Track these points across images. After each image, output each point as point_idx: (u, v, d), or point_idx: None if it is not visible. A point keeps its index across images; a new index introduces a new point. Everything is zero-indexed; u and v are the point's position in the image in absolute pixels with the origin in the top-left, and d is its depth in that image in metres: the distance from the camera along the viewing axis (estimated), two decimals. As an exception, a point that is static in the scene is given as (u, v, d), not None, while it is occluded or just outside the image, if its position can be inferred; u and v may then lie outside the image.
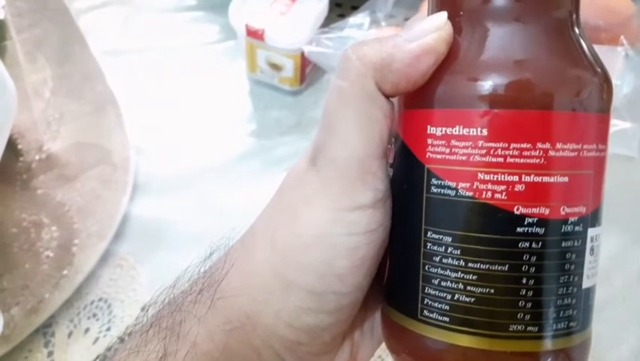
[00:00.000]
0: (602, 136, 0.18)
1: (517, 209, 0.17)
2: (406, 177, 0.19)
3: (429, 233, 0.18)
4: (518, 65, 0.17)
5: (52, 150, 0.46)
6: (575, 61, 0.18)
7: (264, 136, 0.48)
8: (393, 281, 0.20)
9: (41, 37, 0.54)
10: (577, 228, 0.18)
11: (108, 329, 0.38)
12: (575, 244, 0.18)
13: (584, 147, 0.17)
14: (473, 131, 0.17)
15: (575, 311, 0.18)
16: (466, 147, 0.17)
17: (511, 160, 0.17)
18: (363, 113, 0.19)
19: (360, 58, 0.18)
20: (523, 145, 0.17)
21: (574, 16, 0.19)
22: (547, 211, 0.17)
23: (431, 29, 0.18)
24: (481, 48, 0.18)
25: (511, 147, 0.17)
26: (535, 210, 0.17)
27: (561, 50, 0.18)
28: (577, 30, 0.18)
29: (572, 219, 0.17)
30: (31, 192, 0.44)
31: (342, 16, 0.52)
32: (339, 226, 0.19)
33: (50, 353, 0.37)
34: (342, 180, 0.19)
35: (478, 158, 0.17)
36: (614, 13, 0.44)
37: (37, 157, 0.45)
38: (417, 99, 0.19)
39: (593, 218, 0.18)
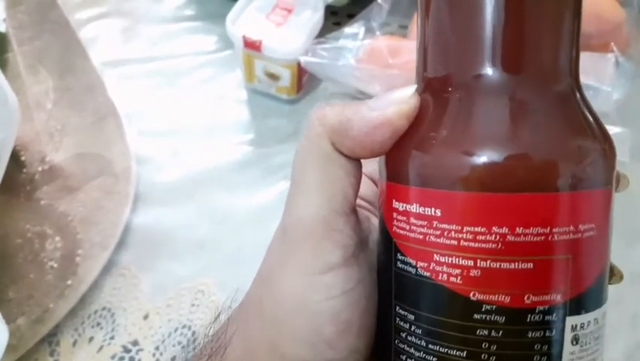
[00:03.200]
0: (587, 215, 0.16)
1: (474, 295, 0.16)
2: (381, 246, 0.19)
3: (397, 308, 0.18)
4: (468, 148, 0.16)
5: (54, 161, 0.47)
6: (544, 139, 0.16)
7: (262, 144, 0.49)
8: (377, 346, 0.19)
9: (42, 49, 0.55)
10: (548, 317, 0.16)
11: (112, 338, 0.39)
12: (547, 334, 0.16)
13: (554, 230, 0.16)
14: (428, 211, 0.17)
15: None
16: (422, 226, 0.17)
17: (465, 244, 0.16)
18: (322, 172, 0.19)
19: (319, 119, 0.19)
20: (477, 229, 0.16)
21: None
22: (507, 299, 0.16)
23: (394, 102, 0.18)
24: (442, 125, 0.17)
25: (464, 230, 0.16)
26: (493, 298, 0.16)
27: (531, 128, 0.16)
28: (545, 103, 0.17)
29: (540, 308, 0.16)
30: (35, 203, 0.45)
31: (338, 24, 0.53)
32: (316, 291, 0.18)
33: (56, 362, 0.38)
34: (310, 241, 0.18)
35: (433, 238, 0.17)
36: (604, 20, 0.45)
37: (40, 168, 0.46)
38: (386, 170, 0.19)
39: (574, 305, 0.16)
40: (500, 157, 0.16)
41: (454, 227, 0.16)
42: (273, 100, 0.51)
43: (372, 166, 0.22)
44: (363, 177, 0.23)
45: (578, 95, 0.18)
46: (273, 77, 0.49)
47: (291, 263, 0.19)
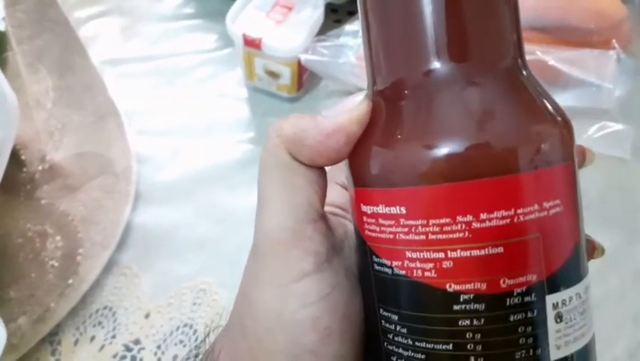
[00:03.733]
0: (550, 192, 0.16)
1: (450, 286, 0.16)
2: (358, 252, 0.19)
3: (381, 310, 0.18)
4: (426, 142, 0.16)
5: (55, 160, 0.47)
6: (484, 118, 0.16)
7: (263, 143, 0.49)
8: (369, 351, 0.19)
9: (42, 48, 0.54)
10: (527, 298, 0.16)
11: (113, 337, 0.39)
12: (529, 315, 0.16)
13: (519, 211, 0.16)
14: (393, 210, 0.17)
15: None
16: (391, 226, 0.17)
17: (433, 237, 0.16)
18: (284, 183, 0.19)
19: (276, 131, 0.19)
20: (442, 220, 0.16)
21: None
22: (483, 286, 0.16)
23: (346, 109, 0.18)
24: (398, 125, 0.17)
25: (430, 224, 0.16)
26: (469, 286, 0.16)
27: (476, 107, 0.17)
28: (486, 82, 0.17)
29: (517, 290, 0.16)
30: (36, 202, 0.44)
31: (339, 21, 0.52)
32: (290, 300, 0.18)
33: (57, 361, 0.38)
34: (279, 252, 0.18)
35: (402, 236, 0.17)
36: (605, 17, 0.44)
37: (40, 167, 0.46)
38: (351, 177, 0.19)
39: (552, 283, 0.16)
40: (460, 148, 0.16)
41: (419, 222, 0.16)
42: (274, 98, 0.51)
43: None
44: (337, 186, 0.23)
45: (525, 73, 0.18)
46: (274, 75, 0.49)
47: (262, 277, 0.19)
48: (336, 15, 0.55)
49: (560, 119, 0.17)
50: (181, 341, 0.39)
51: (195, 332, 0.39)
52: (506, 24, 0.18)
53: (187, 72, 0.54)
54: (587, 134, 0.43)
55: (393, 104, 0.18)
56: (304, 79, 0.50)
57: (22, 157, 0.47)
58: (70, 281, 0.40)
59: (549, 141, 0.16)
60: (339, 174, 0.23)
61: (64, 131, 0.49)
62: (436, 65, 0.17)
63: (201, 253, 0.43)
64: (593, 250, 0.22)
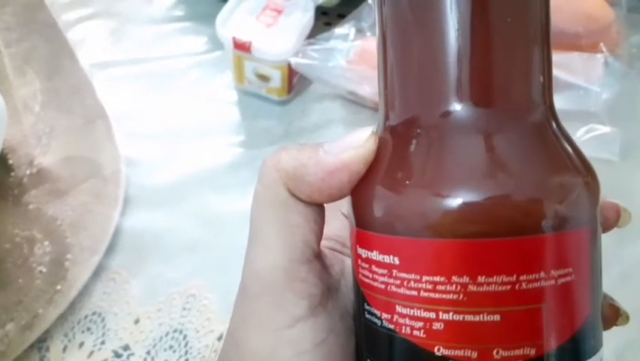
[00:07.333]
0: (560, 259, 0.15)
1: (439, 350, 0.15)
2: (354, 295, 0.18)
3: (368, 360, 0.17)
4: (423, 193, 0.15)
5: (43, 164, 0.46)
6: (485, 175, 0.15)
7: (253, 146, 0.49)
8: None
9: (30, 51, 0.54)
10: None
11: (102, 343, 0.39)
12: None
13: (521, 278, 0.14)
14: (387, 259, 0.15)
15: None
16: (384, 275, 0.16)
17: (425, 294, 0.15)
18: (280, 220, 0.17)
19: (274, 164, 0.17)
20: (436, 278, 0.15)
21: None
22: (474, 354, 0.14)
23: (351, 145, 0.17)
24: (403, 168, 0.16)
25: (423, 280, 0.15)
26: (458, 353, 0.14)
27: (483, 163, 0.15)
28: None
29: None
30: (23, 207, 0.44)
31: (329, 24, 0.52)
32: (283, 348, 0.17)
33: (46, 368, 0.38)
34: (270, 295, 0.17)
35: (394, 288, 0.15)
36: (593, 20, 0.45)
37: (28, 172, 0.46)
38: (351, 214, 0.17)
39: (555, 357, 0.15)
40: (459, 203, 0.14)
41: (412, 276, 0.15)
42: (264, 101, 0.51)
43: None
44: (341, 216, 0.22)
45: (554, 124, 0.16)
46: (264, 78, 0.49)
47: (252, 321, 0.17)
48: (326, 18, 0.55)
49: (586, 176, 0.16)
50: (171, 347, 0.38)
51: (185, 337, 0.39)
52: (537, 68, 0.16)
53: (176, 75, 0.54)
54: (574, 137, 0.43)
55: (403, 143, 0.16)
56: (294, 82, 0.50)
57: (10, 161, 0.46)
58: (59, 287, 0.40)
59: (571, 199, 0.15)
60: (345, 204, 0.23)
61: (53, 134, 0.48)
62: (457, 106, 0.15)
63: (191, 257, 0.43)
64: (616, 316, 0.20)
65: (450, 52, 0.15)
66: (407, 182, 0.15)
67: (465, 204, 0.14)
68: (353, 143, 0.17)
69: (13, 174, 0.46)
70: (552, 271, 0.14)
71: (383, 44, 0.17)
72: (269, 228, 0.18)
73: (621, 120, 0.44)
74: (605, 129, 0.43)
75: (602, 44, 0.44)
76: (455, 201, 0.14)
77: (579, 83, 0.42)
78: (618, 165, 0.44)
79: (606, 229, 0.19)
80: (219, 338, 0.39)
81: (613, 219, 0.20)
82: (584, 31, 0.44)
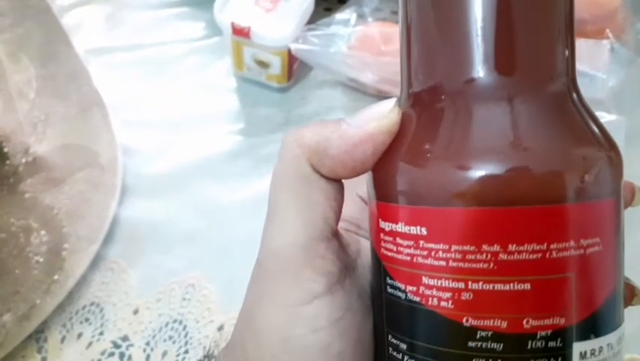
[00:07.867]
0: (590, 228, 0.15)
1: (467, 320, 0.15)
2: (373, 271, 0.18)
3: (389, 336, 0.17)
4: (451, 162, 0.15)
5: (38, 152, 0.45)
6: (519, 144, 0.15)
7: (253, 134, 0.48)
8: None
9: (24, 37, 0.53)
10: (552, 343, 0.14)
11: (101, 333, 0.38)
12: None
13: (552, 246, 0.14)
14: (414, 230, 0.15)
15: None
16: (409, 247, 0.15)
17: (454, 264, 0.15)
18: (300, 196, 0.17)
19: (297, 140, 0.17)
20: (466, 247, 0.14)
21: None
22: (503, 324, 0.14)
23: (374, 117, 0.17)
24: (432, 138, 0.16)
25: (452, 250, 0.15)
26: (488, 323, 0.14)
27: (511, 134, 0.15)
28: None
29: (542, 333, 0.14)
30: (19, 196, 0.43)
31: (329, 10, 0.51)
32: (299, 324, 0.17)
33: (44, 359, 0.37)
34: (288, 271, 0.17)
35: (421, 260, 0.15)
36: (599, 6, 0.44)
37: (23, 160, 0.45)
38: (373, 189, 0.17)
39: (582, 329, 0.15)
40: (495, 171, 0.14)
41: (441, 246, 0.15)
42: (263, 88, 0.50)
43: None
44: (356, 198, 0.22)
45: (575, 96, 0.16)
46: (263, 64, 0.48)
47: (268, 297, 0.17)
48: (326, 3, 0.53)
49: (609, 149, 0.16)
50: (170, 337, 0.38)
51: (185, 327, 0.38)
52: (561, 38, 0.16)
53: (174, 62, 0.53)
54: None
55: (426, 113, 0.16)
56: (294, 68, 0.49)
57: (5, 150, 0.46)
58: (56, 277, 0.39)
59: (594, 171, 0.15)
60: (361, 184, 0.21)
61: (48, 122, 0.47)
62: (480, 73, 0.15)
63: (190, 247, 0.42)
64: (632, 295, 0.20)
65: (475, 18, 0.15)
66: (434, 151, 0.15)
67: (485, 175, 0.14)
68: (376, 114, 0.17)
69: (8, 162, 0.45)
70: (581, 240, 0.15)
71: (406, 11, 0.17)
72: (289, 205, 0.17)
73: (627, 108, 0.43)
74: (610, 117, 0.42)
75: (607, 30, 0.43)
76: (483, 170, 0.14)
77: (585, 70, 0.42)
78: (624, 153, 0.44)
79: None
80: (219, 329, 0.38)
81: (628, 197, 0.20)
82: (590, 17, 0.43)
